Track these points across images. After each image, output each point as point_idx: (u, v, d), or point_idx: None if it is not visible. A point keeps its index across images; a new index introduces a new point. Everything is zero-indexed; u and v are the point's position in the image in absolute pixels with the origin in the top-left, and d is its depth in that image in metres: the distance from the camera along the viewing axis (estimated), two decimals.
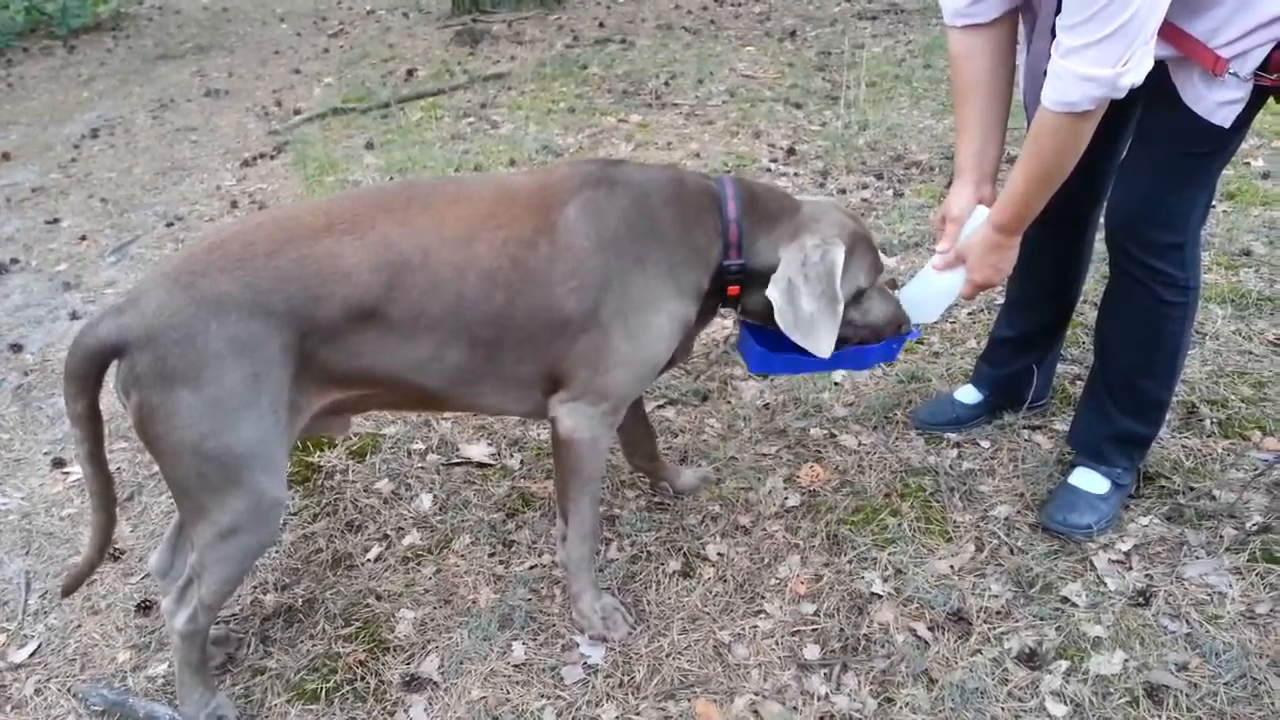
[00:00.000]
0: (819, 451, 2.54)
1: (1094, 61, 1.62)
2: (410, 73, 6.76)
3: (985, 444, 2.52)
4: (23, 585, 2.28)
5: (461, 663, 1.98)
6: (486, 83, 6.26)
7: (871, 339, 2.04)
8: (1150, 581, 2.05)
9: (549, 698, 1.89)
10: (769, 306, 1.91)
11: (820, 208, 1.98)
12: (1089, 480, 2.21)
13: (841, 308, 1.89)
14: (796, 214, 1.95)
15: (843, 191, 4.12)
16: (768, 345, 2.04)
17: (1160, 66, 1.75)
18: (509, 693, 1.90)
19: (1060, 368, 2.67)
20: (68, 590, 1.93)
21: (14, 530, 2.48)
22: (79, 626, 2.15)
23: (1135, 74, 1.64)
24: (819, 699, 1.85)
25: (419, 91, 6.22)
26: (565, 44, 7.14)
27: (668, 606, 2.09)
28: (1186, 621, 1.95)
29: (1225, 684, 1.80)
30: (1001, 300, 2.60)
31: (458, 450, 2.64)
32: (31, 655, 2.09)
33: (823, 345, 1.88)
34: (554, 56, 6.76)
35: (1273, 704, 1.76)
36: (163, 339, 1.56)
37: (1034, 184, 1.84)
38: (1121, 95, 1.67)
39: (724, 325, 3.12)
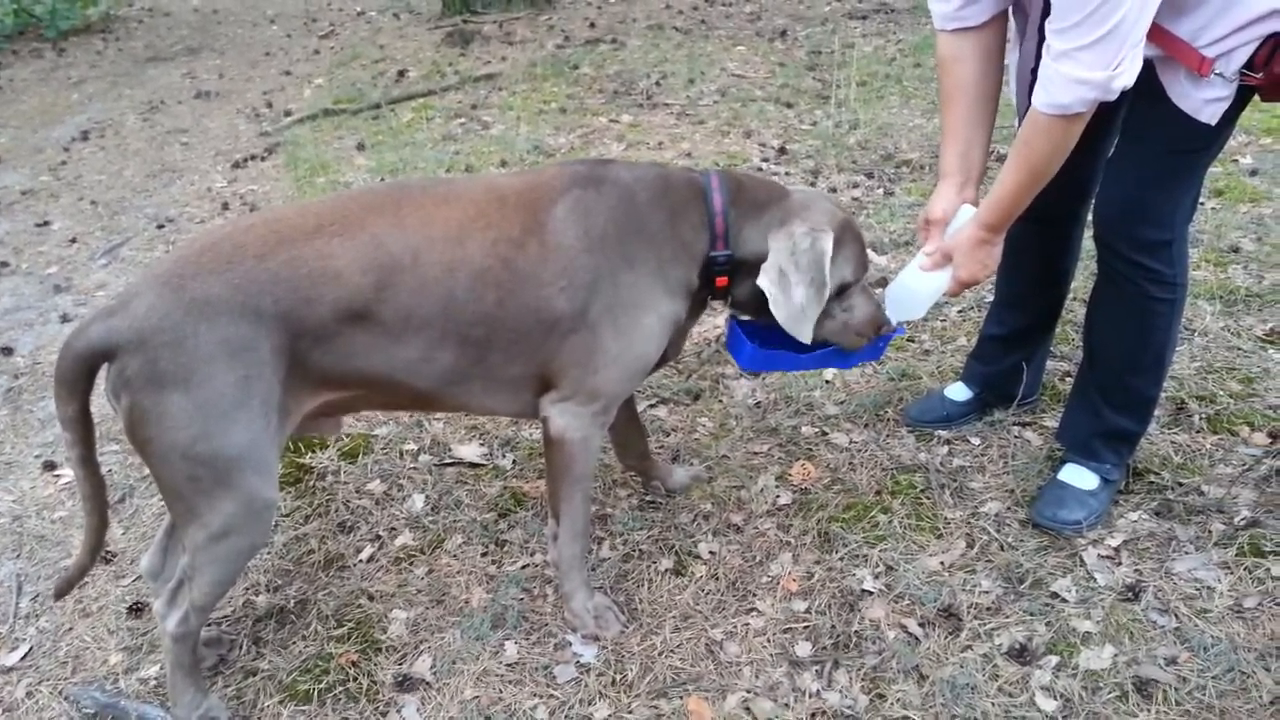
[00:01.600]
0: (810, 449, 2.55)
1: (1086, 65, 1.63)
2: (401, 74, 6.75)
3: (976, 441, 2.53)
4: (14, 588, 2.28)
5: (454, 662, 1.98)
6: (477, 83, 6.25)
7: (850, 338, 2.03)
8: (1139, 576, 2.06)
9: (542, 697, 1.89)
10: (757, 296, 1.91)
11: (809, 196, 1.98)
12: (1078, 476, 2.22)
13: (827, 295, 1.89)
14: (785, 201, 1.94)
15: (834, 190, 4.13)
16: (757, 342, 2.05)
17: (1147, 64, 1.76)
18: (502, 692, 1.91)
19: (1050, 365, 2.68)
20: (60, 594, 1.93)
21: (5, 533, 2.47)
22: (70, 629, 2.15)
23: (1127, 76, 1.65)
24: (810, 696, 1.86)
25: (410, 92, 6.22)
26: (556, 44, 7.14)
27: (660, 605, 2.09)
28: (1175, 616, 1.96)
29: (1214, 677, 1.81)
30: (991, 298, 2.61)
31: (450, 451, 2.64)
32: (23, 658, 2.08)
33: (805, 332, 1.89)
34: (545, 57, 6.76)
35: (1261, 697, 1.77)
36: (153, 342, 1.56)
37: (1023, 184, 1.86)
38: (1114, 98, 1.68)
39: (716, 325, 3.13)
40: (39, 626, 2.17)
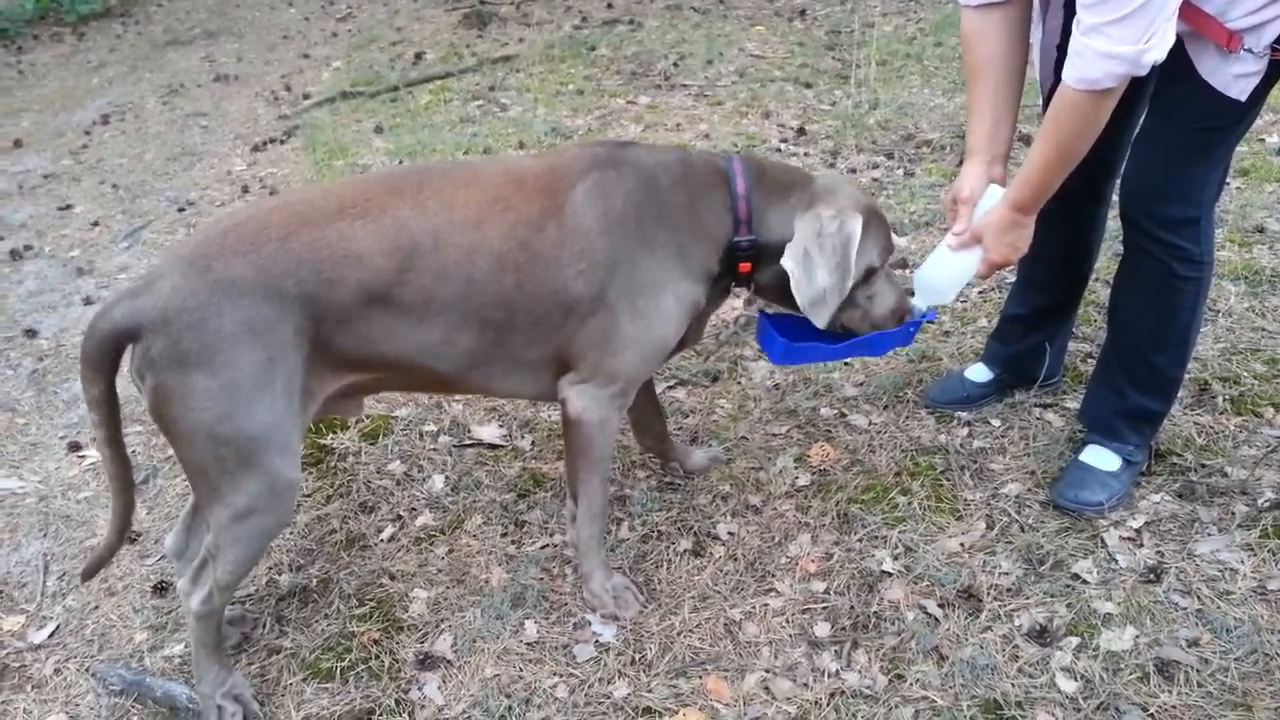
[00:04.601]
0: (829, 431, 2.54)
1: (1116, 39, 1.61)
2: (418, 56, 6.74)
3: (996, 422, 2.52)
4: (41, 567, 2.31)
5: (474, 641, 2.00)
6: (495, 65, 6.24)
7: (876, 326, 2.02)
8: (1161, 558, 2.05)
9: (561, 675, 1.91)
10: (781, 282, 1.90)
11: (834, 181, 1.97)
12: (1101, 457, 2.21)
13: (851, 280, 1.89)
14: (810, 185, 1.94)
15: (853, 171, 4.10)
16: (788, 336, 2.04)
17: (1176, 39, 1.74)
18: (522, 670, 1.92)
19: (1072, 346, 2.66)
20: (88, 574, 1.95)
21: (32, 513, 2.50)
22: (96, 608, 2.18)
23: (1158, 51, 1.63)
24: (829, 676, 1.86)
25: (427, 75, 6.21)
26: (573, 25, 7.11)
27: (679, 585, 2.10)
28: (1197, 598, 1.95)
29: (1236, 659, 1.80)
30: (1013, 278, 2.59)
31: (469, 432, 2.65)
32: (50, 636, 2.11)
33: (823, 316, 1.89)
34: (562, 38, 6.73)
35: None
36: (177, 322, 1.58)
37: (1053, 162, 1.83)
38: (1144, 72, 1.66)
39: (734, 306, 3.12)
40: (66, 605, 2.20)
